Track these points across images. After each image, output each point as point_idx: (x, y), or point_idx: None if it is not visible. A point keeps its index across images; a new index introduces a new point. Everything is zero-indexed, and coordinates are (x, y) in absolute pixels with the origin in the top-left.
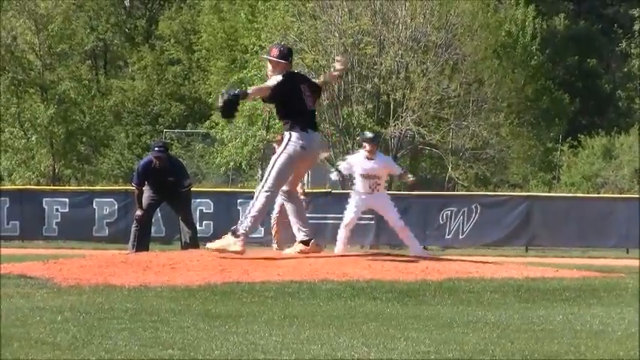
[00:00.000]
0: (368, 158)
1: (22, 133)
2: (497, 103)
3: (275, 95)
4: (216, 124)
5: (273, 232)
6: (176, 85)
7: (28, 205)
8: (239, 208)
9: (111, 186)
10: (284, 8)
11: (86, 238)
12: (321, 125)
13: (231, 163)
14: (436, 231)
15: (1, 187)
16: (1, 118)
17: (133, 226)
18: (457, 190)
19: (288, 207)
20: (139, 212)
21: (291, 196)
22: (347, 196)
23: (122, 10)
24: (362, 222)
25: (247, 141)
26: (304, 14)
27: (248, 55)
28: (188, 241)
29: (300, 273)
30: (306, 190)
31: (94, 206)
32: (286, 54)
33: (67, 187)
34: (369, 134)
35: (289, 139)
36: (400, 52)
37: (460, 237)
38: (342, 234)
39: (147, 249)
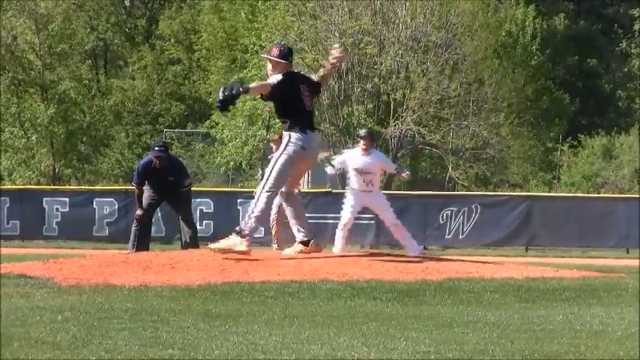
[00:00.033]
0: (363, 154)
1: (23, 132)
2: (498, 103)
3: (275, 94)
4: (217, 123)
5: (273, 232)
6: (176, 85)
7: (28, 205)
8: (239, 207)
9: (111, 186)
10: (284, 8)
11: (86, 237)
12: (321, 125)
13: (232, 163)
14: (436, 231)
15: (2, 187)
16: (1, 118)
17: (133, 225)
18: (457, 190)
19: (287, 208)
20: (139, 212)
21: (289, 197)
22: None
23: (122, 10)
24: (362, 222)
25: (247, 141)
26: (304, 14)
27: (248, 54)
28: (188, 240)
29: (300, 273)
30: (301, 190)
31: (94, 206)
32: (286, 54)
33: (67, 187)
34: (363, 131)
35: (289, 140)
36: (400, 51)
37: (460, 237)
38: (340, 234)
39: (147, 249)
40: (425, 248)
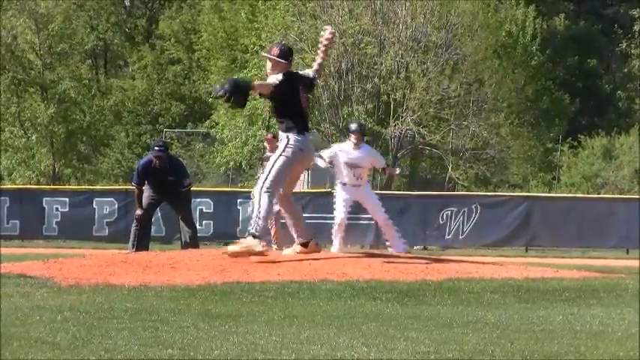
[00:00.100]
0: (354, 148)
1: (23, 132)
2: (498, 103)
3: (275, 94)
4: (217, 123)
5: (272, 233)
6: (176, 85)
7: (28, 205)
8: (239, 207)
9: (111, 185)
10: (284, 8)
11: (86, 237)
12: (322, 125)
13: (232, 163)
14: (436, 231)
15: (1, 187)
16: (1, 118)
17: (133, 225)
18: (457, 190)
19: (285, 212)
20: (138, 212)
21: (288, 199)
22: None
23: (122, 10)
24: (362, 222)
25: (247, 141)
26: (304, 14)
27: (248, 54)
28: (188, 240)
29: (300, 273)
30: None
31: (94, 206)
32: (287, 53)
33: (67, 187)
34: (354, 124)
35: (288, 143)
36: (400, 52)
37: (460, 237)
38: (336, 233)
39: (147, 248)
40: (425, 248)
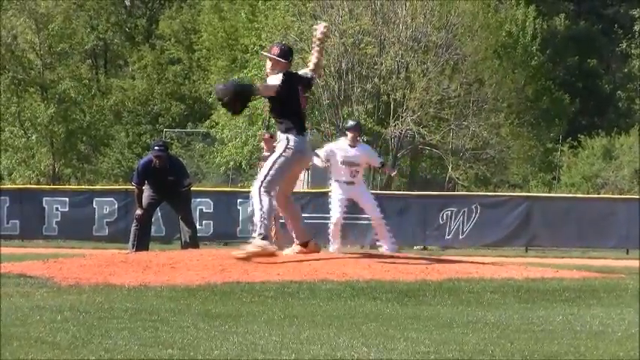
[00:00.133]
0: (350, 146)
1: (23, 132)
2: (498, 103)
3: (279, 95)
4: (217, 123)
5: (272, 232)
6: (176, 85)
7: (28, 205)
8: (239, 207)
9: (111, 185)
10: (284, 8)
11: (86, 237)
12: (322, 125)
13: (231, 163)
14: (436, 231)
15: (1, 186)
16: (1, 117)
17: (133, 225)
18: (457, 191)
19: (285, 213)
20: (138, 211)
21: (287, 199)
22: None
23: (122, 10)
24: (362, 222)
25: (247, 141)
26: (305, 14)
27: (248, 54)
28: (188, 240)
29: (300, 273)
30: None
31: (94, 205)
32: (287, 53)
33: (67, 187)
34: (351, 122)
35: (288, 144)
36: (400, 52)
37: (460, 237)
38: (333, 232)
39: (147, 248)
40: (425, 248)
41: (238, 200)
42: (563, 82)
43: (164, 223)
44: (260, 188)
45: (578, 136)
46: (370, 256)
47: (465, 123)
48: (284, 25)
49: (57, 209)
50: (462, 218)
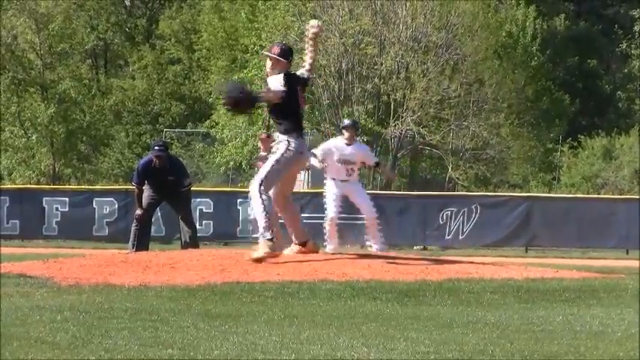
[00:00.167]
0: (347, 144)
1: (23, 132)
2: (498, 103)
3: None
4: (217, 123)
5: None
6: (176, 85)
7: (28, 204)
8: (239, 207)
9: (111, 185)
10: (284, 8)
11: (86, 237)
12: (322, 125)
13: (231, 163)
14: (436, 231)
15: (1, 186)
16: (1, 117)
17: (133, 225)
18: (457, 191)
19: (283, 213)
20: (138, 211)
21: (287, 199)
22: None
23: (122, 10)
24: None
25: (247, 141)
26: (305, 14)
27: (248, 54)
28: (188, 240)
29: (299, 273)
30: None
31: (94, 205)
32: (287, 52)
33: (67, 187)
34: (347, 121)
35: (289, 145)
36: (401, 52)
37: (460, 237)
38: (330, 232)
39: (147, 248)
40: (425, 248)
41: (238, 200)
42: (564, 82)
43: (164, 223)
44: (260, 187)
45: (578, 136)
46: (370, 256)
47: (465, 123)
48: (284, 25)
49: (57, 209)
50: (461, 218)
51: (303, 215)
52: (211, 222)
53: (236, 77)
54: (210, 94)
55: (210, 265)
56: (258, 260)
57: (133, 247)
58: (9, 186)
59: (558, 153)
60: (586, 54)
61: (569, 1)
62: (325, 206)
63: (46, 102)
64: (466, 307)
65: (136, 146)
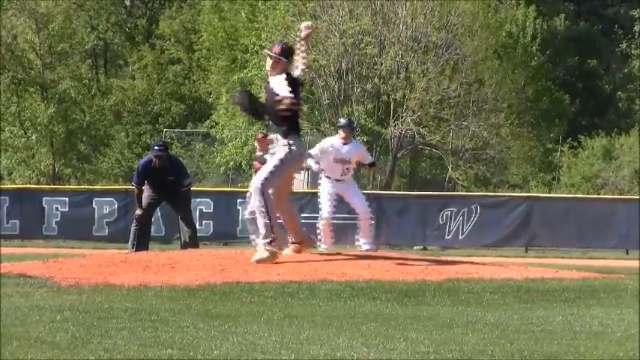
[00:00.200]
0: (343, 143)
1: (22, 132)
2: (498, 103)
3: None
4: (217, 123)
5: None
6: (176, 85)
7: (27, 204)
8: (239, 207)
9: (111, 185)
10: (284, 8)
11: (86, 237)
12: (322, 125)
13: (231, 163)
14: (436, 231)
15: (1, 186)
16: (1, 117)
17: (133, 225)
18: (457, 191)
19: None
20: (138, 211)
21: (285, 199)
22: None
23: (122, 10)
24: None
25: (247, 141)
26: (305, 14)
27: (248, 54)
28: (188, 240)
29: (299, 273)
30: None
31: (94, 205)
32: (288, 52)
33: (66, 187)
34: (343, 120)
35: (291, 147)
36: (400, 52)
37: (460, 237)
38: (324, 231)
39: (146, 248)
40: (425, 248)
41: (238, 200)
42: (563, 82)
43: (164, 223)
44: (262, 187)
45: (578, 136)
46: (370, 256)
47: (465, 123)
48: (284, 25)
49: (57, 209)
50: (461, 218)
51: (302, 215)
52: (211, 222)
53: (236, 77)
54: (210, 94)
55: (210, 265)
56: (260, 262)
57: (132, 247)
58: (9, 186)
59: (558, 153)
60: (586, 54)
61: (569, 1)
62: (320, 206)
63: (45, 102)
64: (466, 307)
65: (136, 146)
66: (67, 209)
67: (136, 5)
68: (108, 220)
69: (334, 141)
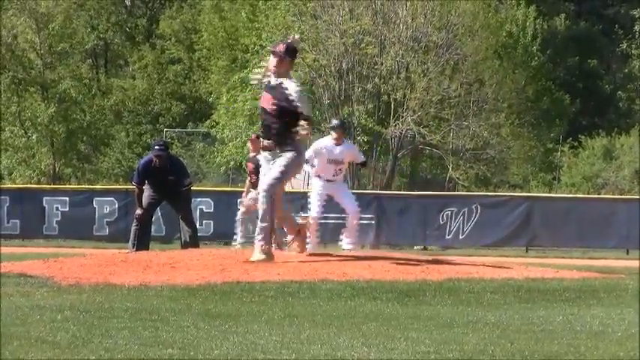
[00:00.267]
0: (335, 144)
1: (23, 131)
2: (498, 103)
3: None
4: (217, 123)
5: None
6: (177, 85)
7: (28, 204)
8: (239, 207)
9: (111, 185)
10: (285, 8)
11: (86, 237)
12: (322, 125)
13: (232, 163)
14: (436, 231)
15: (2, 186)
16: (1, 117)
17: (133, 225)
18: (457, 191)
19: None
20: (139, 211)
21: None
22: None
23: (123, 9)
24: (362, 222)
25: (247, 141)
26: (305, 14)
27: (249, 54)
28: (188, 240)
29: (300, 273)
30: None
31: (95, 205)
32: (293, 51)
33: (67, 186)
34: (335, 121)
35: (296, 150)
36: (401, 52)
37: (460, 237)
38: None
39: (147, 248)
40: (425, 248)
41: (238, 200)
42: (564, 82)
43: (164, 223)
44: (269, 191)
45: (579, 136)
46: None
47: (466, 123)
48: (284, 24)
49: (57, 209)
50: (462, 218)
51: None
52: (211, 222)
53: (236, 77)
54: (211, 94)
55: (210, 264)
56: (260, 262)
57: (133, 247)
58: (9, 186)
59: (558, 153)
60: (586, 54)
61: (569, 1)
62: (309, 205)
63: (46, 102)
64: (466, 307)
65: (137, 146)
66: (67, 209)
67: (137, 5)
68: (108, 219)
69: (327, 142)
